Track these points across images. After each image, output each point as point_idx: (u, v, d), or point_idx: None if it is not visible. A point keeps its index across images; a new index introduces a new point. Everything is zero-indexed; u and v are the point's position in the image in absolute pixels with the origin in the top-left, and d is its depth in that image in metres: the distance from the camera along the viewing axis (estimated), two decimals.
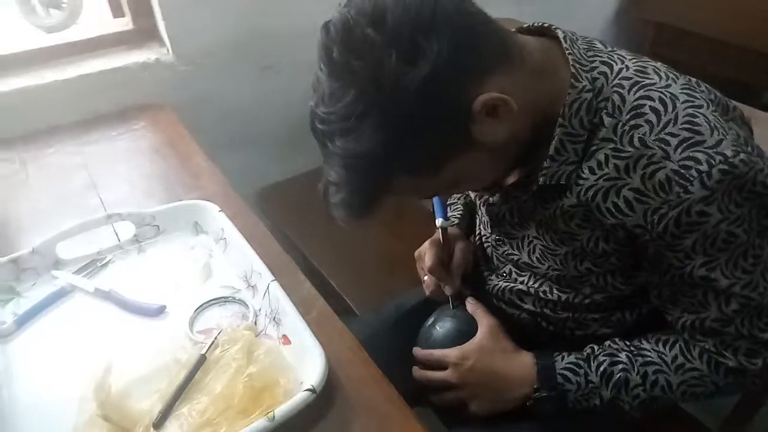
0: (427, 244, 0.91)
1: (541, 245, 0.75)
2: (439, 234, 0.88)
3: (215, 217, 0.90)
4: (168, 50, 1.34)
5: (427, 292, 0.90)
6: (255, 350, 0.69)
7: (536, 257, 0.76)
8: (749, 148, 0.58)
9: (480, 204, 0.84)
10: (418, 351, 0.82)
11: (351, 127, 0.55)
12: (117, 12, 1.42)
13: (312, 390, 0.62)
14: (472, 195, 0.87)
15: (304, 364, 0.67)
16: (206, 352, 0.70)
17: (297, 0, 1.40)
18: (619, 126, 0.60)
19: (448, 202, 0.96)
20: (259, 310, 0.78)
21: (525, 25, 0.69)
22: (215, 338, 0.71)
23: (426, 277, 0.90)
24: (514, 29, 0.69)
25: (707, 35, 1.80)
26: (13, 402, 0.67)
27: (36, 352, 0.74)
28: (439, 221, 0.88)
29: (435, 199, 0.91)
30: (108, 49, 1.35)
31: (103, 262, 0.87)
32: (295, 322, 0.71)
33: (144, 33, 1.37)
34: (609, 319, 0.78)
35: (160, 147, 1.18)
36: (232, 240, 0.86)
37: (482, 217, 0.86)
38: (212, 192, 1.00)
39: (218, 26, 1.35)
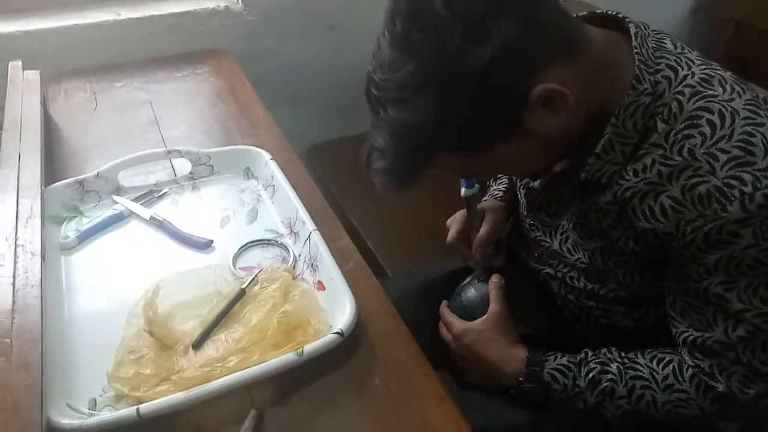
0: (457, 214, 0.93)
1: (573, 237, 0.75)
2: (466, 206, 0.89)
3: (267, 164, 0.94)
4: (238, 0, 1.38)
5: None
6: (291, 291, 0.73)
7: (567, 248, 0.77)
8: None
9: (520, 186, 0.85)
10: (441, 310, 0.85)
11: (405, 98, 0.56)
12: None
13: (340, 333, 0.66)
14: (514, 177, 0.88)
15: (335, 310, 0.71)
16: (246, 287, 0.74)
17: None
18: (672, 134, 0.59)
19: None
20: (299, 255, 0.82)
21: (598, 11, 0.68)
22: (255, 275, 0.76)
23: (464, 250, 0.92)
24: (585, 13, 0.68)
25: None
26: (72, 310, 0.73)
27: (94, 268, 0.80)
28: (462, 190, 0.87)
29: None
30: None
31: (160, 194, 0.92)
32: (330, 270, 0.75)
33: None
34: (633, 312, 0.78)
35: (221, 92, 1.22)
36: (280, 187, 0.90)
37: (521, 199, 0.86)
38: (266, 141, 1.04)
39: None
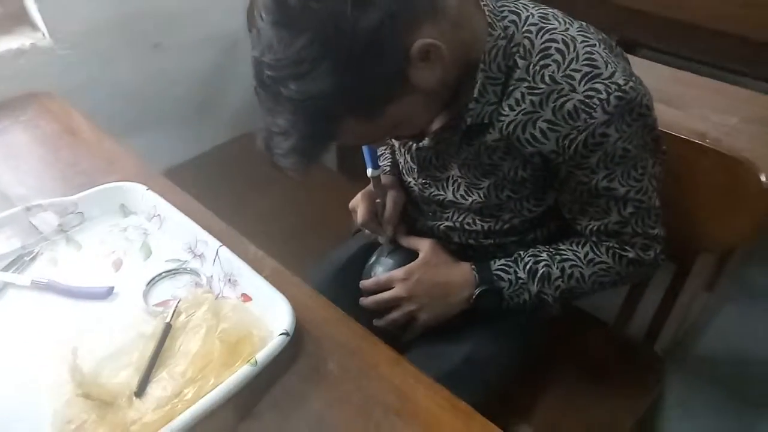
0: (359, 196, 0.98)
1: (465, 182, 0.84)
2: (371, 184, 0.95)
3: (143, 195, 0.90)
4: (44, 34, 1.26)
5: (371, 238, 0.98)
6: (221, 310, 0.72)
7: (460, 194, 0.86)
8: (634, 78, 0.70)
9: (405, 152, 0.91)
10: (364, 283, 0.89)
11: (305, 71, 0.59)
12: None
13: (286, 333, 0.68)
14: (396, 144, 0.94)
15: (270, 314, 0.72)
16: (170, 320, 0.72)
17: None
18: (531, 67, 0.70)
19: (378, 153, 1.02)
20: (211, 276, 0.80)
21: None
22: (176, 306, 0.73)
23: (368, 231, 0.97)
24: None
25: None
26: None
27: None
28: (369, 171, 0.93)
29: (365, 150, 0.96)
30: None
31: (31, 256, 0.84)
32: (252, 279, 0.75)
33: (10, 17, 1.27)
34: (524, 240, 0.90)
35: (58, 135, 1.12)
36: (167, 216, 0.87)
37: (406, 164, 0.93)
38: (131, 173, 0.98)
39: (100, 6, 1.29)
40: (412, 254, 0.90)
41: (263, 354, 0.65)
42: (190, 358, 0.67)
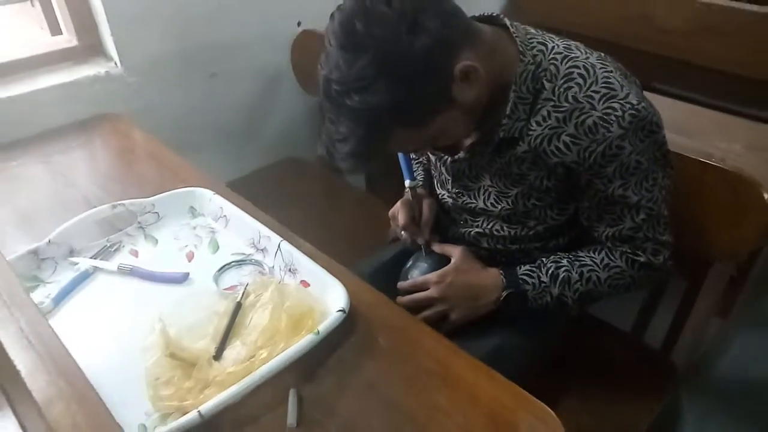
0: (398, 204, 1.09)
1: (496, 191, 0.95)
2: (408, 194, 1.07)
3: (211, 199, 1.02)
4: (117, 63, 1.42)
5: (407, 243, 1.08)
6: (285, 291, 0.83)
7: (490, 202, 0.97)
8: (645, 100, 0.82)
9: (440, 165, 1.03)
10: (402, 284, 0.99)
11: (365, 86, 0.71)
12: (55, 30, 1.47)
13: (342, 310, 0.78)
14: (432, 159, 1.06)
15: (327, 296, 0.82)
16: (241, 300, 0.83)
17: (235, 14, 1.53)
18: (556, 89, 0.82)
19: (413, 168, 1.14)
20: (273, 266, 0.91)
21: (474, 15, 0.89)
22: (245, 288, 0.84)
23: (402, 232, 1.08)
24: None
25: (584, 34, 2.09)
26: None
27: (80, 323, 0.82)
28: (407, 182, 1.06)
29: (403, 164, 1.09)
30: (55, 65, 1.39)
31: (115, 248, 0.96)
32: (310, 267, 0.86)
33: (88, 48, 1.43)
34: (547, 246, 1.00)
35: (129, 150, 1.26)
36: (232, 216, 0.99)
37: (441, 176, 1.05)
38: (195, 182, 1.11)
39: (164, 39, 1.45)
40: (445, 260, 1.00)
41: (324, 326, 0.75)
42: (260, 330, 0.77)
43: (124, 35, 1.39)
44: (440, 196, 1.09)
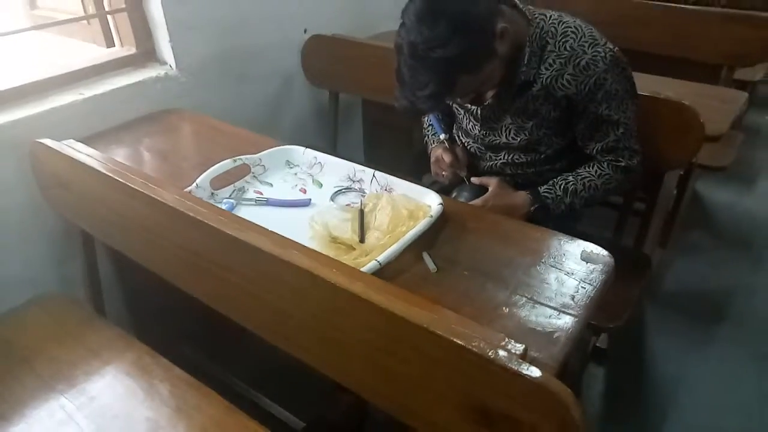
0: (438, 152, 1.43)
1: (515, 126, 1.31)
2: (444, 144, 1.41)
3: (303, 153, 1.32)
4: (172, 66, 1.67)
5: (447, 182, 1.42)
6: (395, 197, 1.14)
7: (511, 136, 1.33)
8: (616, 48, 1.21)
9: (469, 117, 1.38)
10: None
11: (444, 43, 1.05)
12: (109, 43, 1.70)
13: (442, 204, 1.10)
14: (462, 112, 1.41)
15: (425, 200, 1.14)
16: (362, 208, 1.13)
17: (255, 25, 1.84)
18: (557, 43, 1.20)
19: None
20: (371, 190, 1.22)
21: None
22: (362, 199, 1.15)
23: (444, 172, 1.41)
24: None
25: None
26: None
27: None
28: (442, 136, 1.41)
29: (435, 124, 1.44)
30: (120, 70, 1.63)
31: (242, 191, 1.23)
32: (403, 185, 1.18)
33: (144, 55, 1.68)
34: (555, 167, 1.37)
35: (204, 131, 1.52)
36: (326, 161, 1.29)
37: (468, 126, 1.40)
38: (261, 148, 1.37)
39: (207, 45, 1.72)
40: (482, 189, 1.34)
41: (435, 212, 1.08)
42: (387, 221, 1.08)
43: (180, 42, 1.65)
44: (465, 143, 1.44)
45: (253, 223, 0.95)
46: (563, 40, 1.19)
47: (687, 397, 1.68)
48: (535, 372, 0.67)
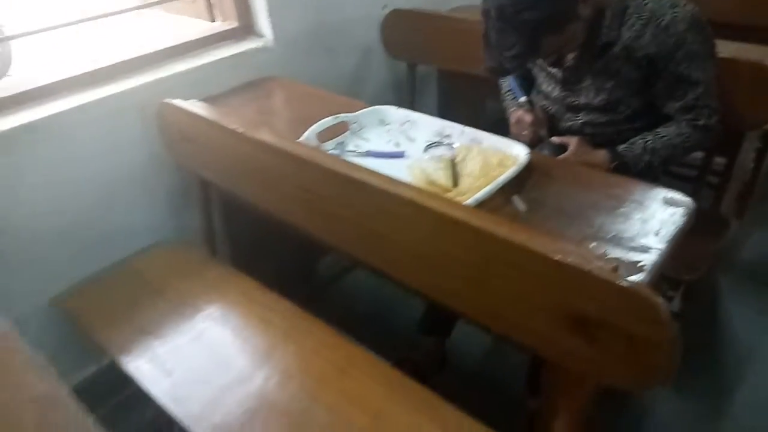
0: (519, 114, 1.52)
1: (595, 87, 1.39)
2: (525, 106, 1.50)
3: (396, 111, 1.44)
4: (270, 39, 1.83)
5: (527, 142, 1.51)
6: (484, 148, 1.25)
7: (591, 96, 1.40)
8: (696, 8, 1.27)
9: (549, 80, 1.46)
10: None
11: (532, 5, 1.14)
12: (211, 19, 1.87)
13: (528, 154, 1.20)
14: (542, 77, 1.49)
15: (512, 151, 1.24)
16: (453, 159, 1.24)
17: (345, 1, 1.97)
18: (637, 5, 1.26)
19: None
20: (460, 144, 1.33)
21: None
22: (454, 151, 1.26)
23: (525, 132, 1.51)
24: None
25: None
26: None
27: None
28: (522, 99, 1.49)
29: (515, 87, 1.52)
30: (223, 42, 1.80)
31: (341, 143, 1.37)
32: (492, 138, 1.29)
33: (244, 29, 1.84)
34: (634, 126, 1.44)
35: (301, 94, 1.67)
36: (416, 120, 1.41)
37: (548, 87, 1.49)
38: (354, 109, 1.50)
39: (300, 20, 1.87)
40: (563, 148, 1.42)
41: (523, 159, 1.18)
42: (478, 169, 1.19)
43: (278, 17, 1.81)
44: (543, 106, 1.52)
45: (364, 167, 1.08)
46: (643, 1, 1.26)
47: (759, 364, 1.71)
48: (628, 280, 0.77)
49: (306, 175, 1.14)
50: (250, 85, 1.74)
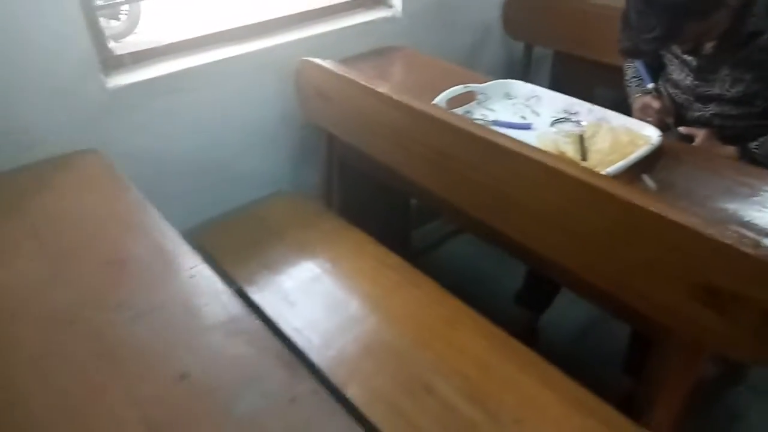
0: (646, 100, 1.51)
1: (732, 78, 1.36)
2: (653, 92, 1.49)
3: (522, 87, 1.48)
4: (398, 10, 1.90)
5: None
6: (614, 127, 1.27)
7: (726, 88, 1.37)
8: None
9: (682, 67, 1.44)
10: None
11: None
12: None
13: (660, 136, 1.21)
14: (676, 63, 1.47)
15: (643, 132, 1.25)
16: (582, 135, 1.27)
17: None
18: None
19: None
20: (587, 122, 1.35)
21: None
22: (582, 127, 1.28)
23: (650, 119, 1.49)
24: None
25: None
26: None
27: None
28: (650, 85, 1.48)
29: (643, 74, 1.51)
30: (353, 11, 1.89)
31: (468, 112, 1.42)
32: (620, 119, 1.30)
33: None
34: (765, 123, 1.40)
35: (426, 64, 1.74)
36: (543, 95, 1.44)
37: (680, 76, 1.46)
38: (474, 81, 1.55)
39: None
40: (689, 139, 1.40)
41: (654, 140, 1.19)
42: (608, 145, 1.21)
43: None
44: (671, 94, 1.50)
45: (501, 132, 1.14)
46: None
47: None
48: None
49: (441, 137, 1.21)
50: (375, 52, 1.82)
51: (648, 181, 1.12)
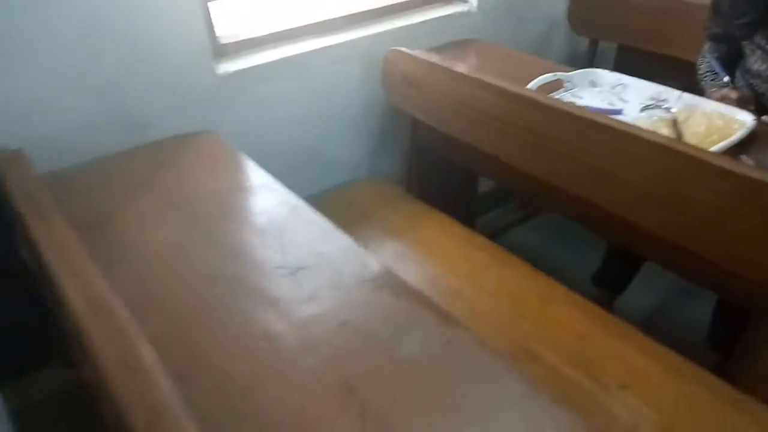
0: (725, 91, 1.55)
1: None
2: (730, 85, 1.53)
3: (607, 75, 1.53)
4: (474, 4, 1.97)
5: None
6: (708, 112, 1.32)
7: None
8: None
9: (762, 55, 1.48)
10: None
11: None
12: None
13: (755, 120, 1.25)
14: (757, 54, 1.51)
15: (738, 117, 1.30)
16: (676, 119, 1.32)
17: None
18: None
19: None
20: (676, 109, 1.40)
21: None
22: (676, 113, 1.34)
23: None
24: None
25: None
26: None
27: None
28: (726, 78, 1.51)
29: (718, 69, 1.54)
30: (432, 5, 1.96)
31: (559, 98, 1.48)
32: (712, 105, 1.34)
33: None
34: None
35: (503, 55, 1.81)
36: (630, 82, 1.49)
37: (758, 67, 1.50)
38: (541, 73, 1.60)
39: None
40: None
41: (750, 124, 1.23)
42: (703, 129, 1.26)
43: None
44: (752, 85, 1.54)
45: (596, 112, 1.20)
46: None
47: None
48: None
49: (537, 118, 1.27)
50: (453, 45, 1.90)
51: (747, 160, 1.17)
